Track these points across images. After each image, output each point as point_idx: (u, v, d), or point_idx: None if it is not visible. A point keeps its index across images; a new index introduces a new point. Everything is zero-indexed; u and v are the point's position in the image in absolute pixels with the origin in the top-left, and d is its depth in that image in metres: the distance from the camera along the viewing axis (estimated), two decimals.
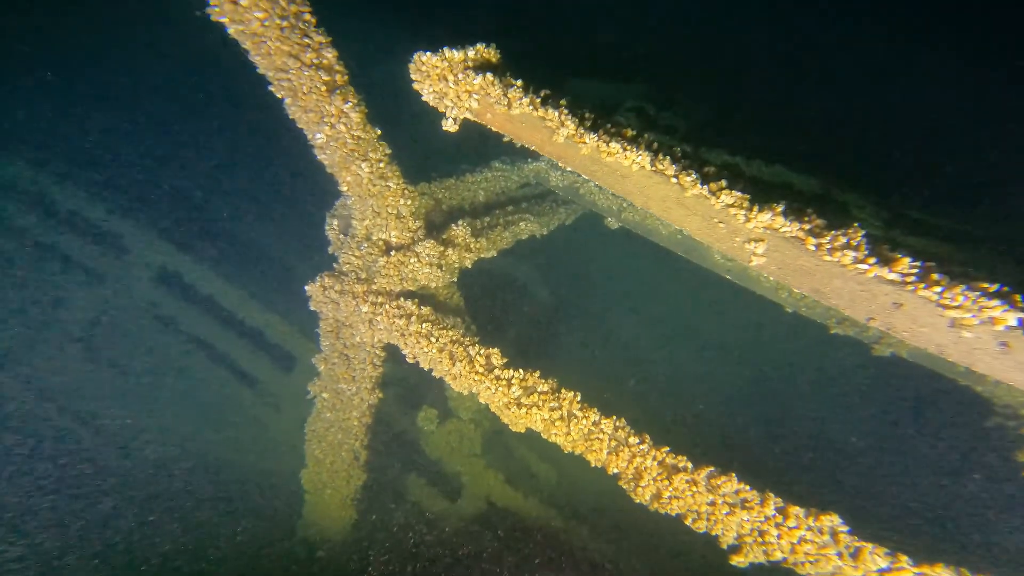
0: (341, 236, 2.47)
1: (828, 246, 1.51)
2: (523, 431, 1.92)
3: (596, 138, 1.65)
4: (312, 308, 2.31)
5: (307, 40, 1.79)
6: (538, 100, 1.72)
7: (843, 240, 1.51)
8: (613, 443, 1.81)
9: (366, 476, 2.98)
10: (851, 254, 1.48)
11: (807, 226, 1.55)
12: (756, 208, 1.57)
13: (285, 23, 1.72)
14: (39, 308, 3.96)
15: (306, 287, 2.27)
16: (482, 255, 2.58)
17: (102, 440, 3.60)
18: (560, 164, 1.80)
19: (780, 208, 1.58)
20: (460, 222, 2.53)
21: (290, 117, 1.94)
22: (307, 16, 1.76)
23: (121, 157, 4.30)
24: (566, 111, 1.71)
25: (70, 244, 3.98)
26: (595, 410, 1.86)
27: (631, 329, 5.11)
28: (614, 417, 1.86)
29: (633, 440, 1.82)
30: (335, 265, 2.37)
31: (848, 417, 4.01)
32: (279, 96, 1.88)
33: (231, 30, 1.69)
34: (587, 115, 1.75)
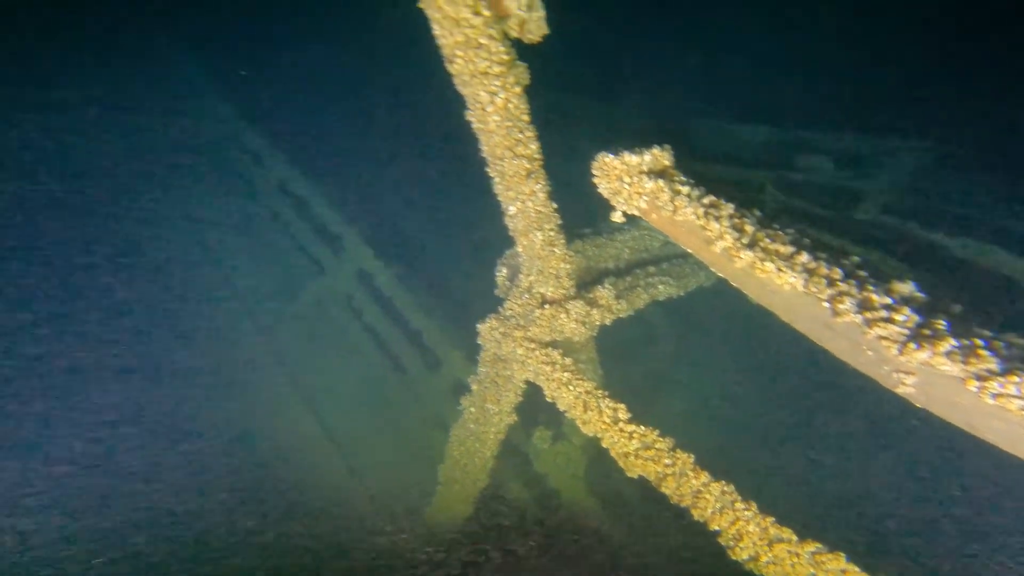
0: (508, 283, 2.94)
1: (996, 391, 1.44)
2: (635, 477, 2.10)
3: (752, 255, 1.77)
4: (479, 342, 2.79)
5: (520, 136, 2.25)
6: (701, 210, 1.90)
7: (1015, 388, 1.42)
8: (719, 504, 1.92)
9: (488, 481, 3.44)
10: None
11: (973, 368, 1.48)
12: (913, 345, 1.55)
13: (509, 124, 2.19)
14: (284, 286, 5.32)
15: (478, 324, 2.76)
16: (621, 315, 2.83)
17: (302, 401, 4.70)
18: (713, 270, 1.94)
19: (944, 347, 1.52)
20: (606, 284, 2.81)
21: (494, 191, 2.43)
22: (524, 118, 2.20)
23: (358, 175, 5.48)
24: (727, 223, 1.84)
25: (309, 237, 5.23)
26: (706, 473, 1.97)
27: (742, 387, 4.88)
28: (723, 482, 1.96)
29: (739, 505, 1.89)
30: (500, 308, 2.84)
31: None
32: (490, 175, 2.38)
33: (471, 117, 2.17)
34: (747, 226, 1.87)
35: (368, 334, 4.99)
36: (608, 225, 2.99)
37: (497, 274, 2.96)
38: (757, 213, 1.89)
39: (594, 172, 2.16)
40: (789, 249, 1.81)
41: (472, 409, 3.12)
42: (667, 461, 1.93)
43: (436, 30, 1.95)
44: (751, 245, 1.79)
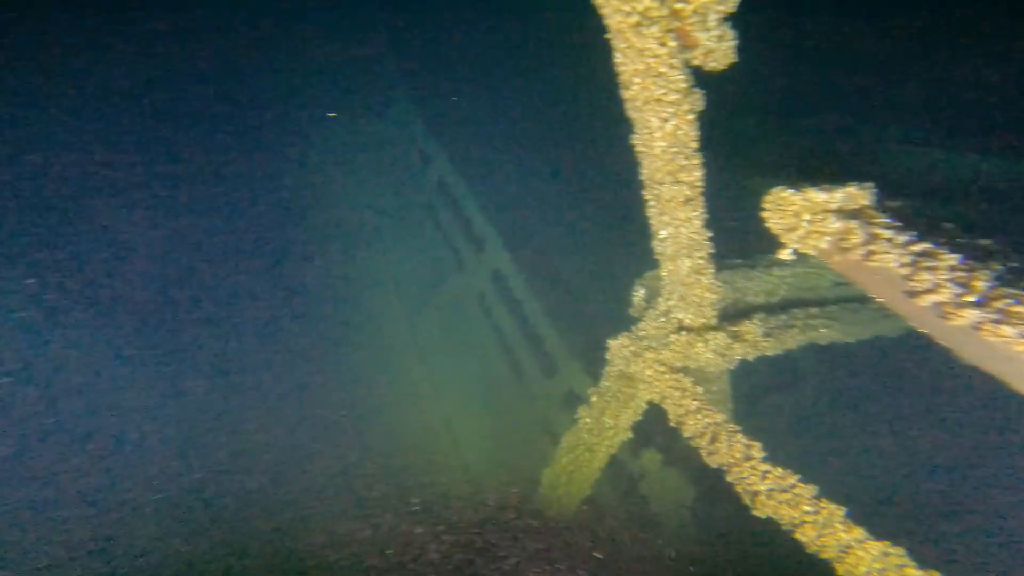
0: (644, 304, 2.96)
1: None
2: (763, 516, 1.97)
3: (980, 315, 1.53)
4: (607, 357, 2.86)
5: (684, 162, 2.28)
6: (908, 258, 1.69)
7: None
8: (879, 567, 1.70)
9: (590, 491, 3.48)
10: None
11: None
12: None
13: (675, 150, 2.24)
14: (425, 276, 5.93)
15: (609, 340, 2.83)
16: (767, 353, 2.67)
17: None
18: (911, 323, 1.74)
19: None
20: (755, 319, 2.67)
21: (647, 213, 2.48)
22: (692, 144, 2.23)
23: (510, 183, 5.92)
24: (945, 276, 1.61)
25: (455, 233, 5.77)
26: (861, 529, 1.76)
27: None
28: (887, 543, 1.72)
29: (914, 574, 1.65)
30: (632, 327, 2.87)
31: None
32: (645, 198, 2.44)
33: (636, 141, 2.26)
34: (977, 282, 1.59)
35: (494, 333, 5.32)
36: (765, 258, 2.86)
37: (634, 294, 3.00)
38: (997, 266, 1.61)
39: (766, 207, 2.10)
40: None
41: (588, 420, 3.19)
42: (807, 508, 1.80)
43: (618, 58, 2.09)
44: (982, 303, 1.56)
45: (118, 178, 6.20)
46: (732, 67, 2.04)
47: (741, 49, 2.00)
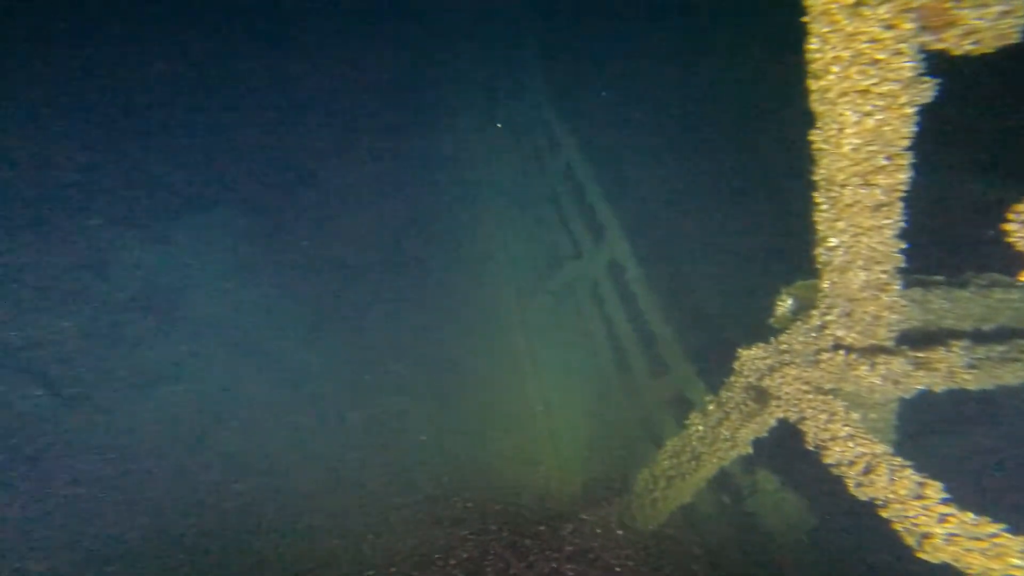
0: (790, 315, 2.71)
1: None
2: (934, 561, 1.75)
3: None
4: (735, 366, 2.68)
5: (885, 163, 2.04)
6: None
7: None
8: None
9: (688, 501, 3.33)
10: None
11: None
12: None
13: (873, 148, 2.01)
14: (540, 262, 6.01)
15: (740, 349, 2.65)
16: (967, 387, 2.29)
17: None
18: None
19: None
20: (955, 346, 2.31)
21: (814, 217, 2.26)
22: (901, 142, 1.98)
23: (638, 173, 5.78)
24: None
25: (576, 220, 5.76)
26: None
27: None
28: None
29: None
30: (771, 339, 2.65)
31: None
32: (816, 200, 2.22)
33: (818, 137, 2.05)
34: None
35: (604, 324, 5.25)
36: (983, 277, 2.48)
37: (778, 303, 2.76)
38: None
39: (1013, 218, 1.80)
40: None
41: (700, 428, 3.04)
42: (1017, 561, 1.56)
43: (815, 44, 1.90)
44: None
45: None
46: (1002, 51, 1.75)
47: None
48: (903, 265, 2.16)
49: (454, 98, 7.83)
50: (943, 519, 1.68)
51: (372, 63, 8.11)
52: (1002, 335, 2.40)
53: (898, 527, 1.78)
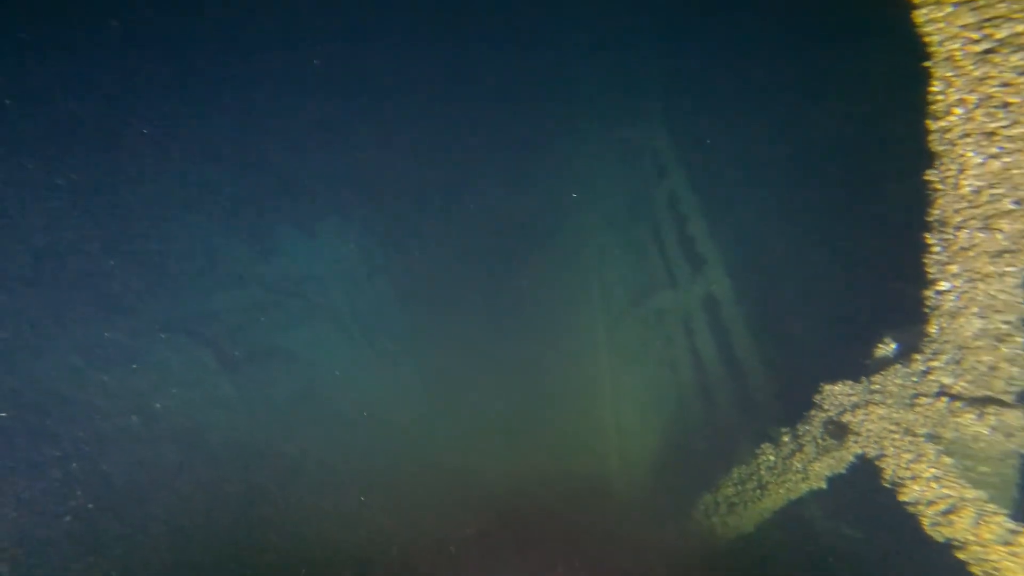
0: (890, 357, 2.64)
1: None
2: None
3: None
4: (816, 399, 2.66)
5: (1012, 206, 2.01)
6: None
7: None
8: None
9: (749, 530, 3.25)
10: None
11: None
12: None
13: (998, 191, 1.99)
14: (635, 287, 6.12)
15: (826, 384, 2.63)
16: None
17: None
18: None
19: None
20: None
21: (928, 260, 2.24)
22: None
23: (743, 211, 5.73)
24: None
25: (675, 250, 5.82)
26: None
27: None
28: None
29: None
30: (863, 378, 2.60)
31: None
32: (929, 242, 2.21)
33: (937, 177, 2.07)
34: None
35: (691, 356, 5.22)
36: None
37: (879, 346, 2.70)
38: None
39: None
40: None
41: (771, 458, 3.00)
42: None
43: (940, 86, 1.96)
44: None
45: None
46: None
47: None
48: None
49: (571, 118, 8.26)
50: None
51: (498, 77, 8.74)
52: None
53: (975, 569, 1.72)
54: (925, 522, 1.94)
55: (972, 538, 1.77)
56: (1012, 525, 1.76)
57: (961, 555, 1.78)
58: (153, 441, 3.49)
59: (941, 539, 1.87)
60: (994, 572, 1.67)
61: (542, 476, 4.67)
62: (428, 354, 5.53)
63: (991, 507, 1.85)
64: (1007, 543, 1.71)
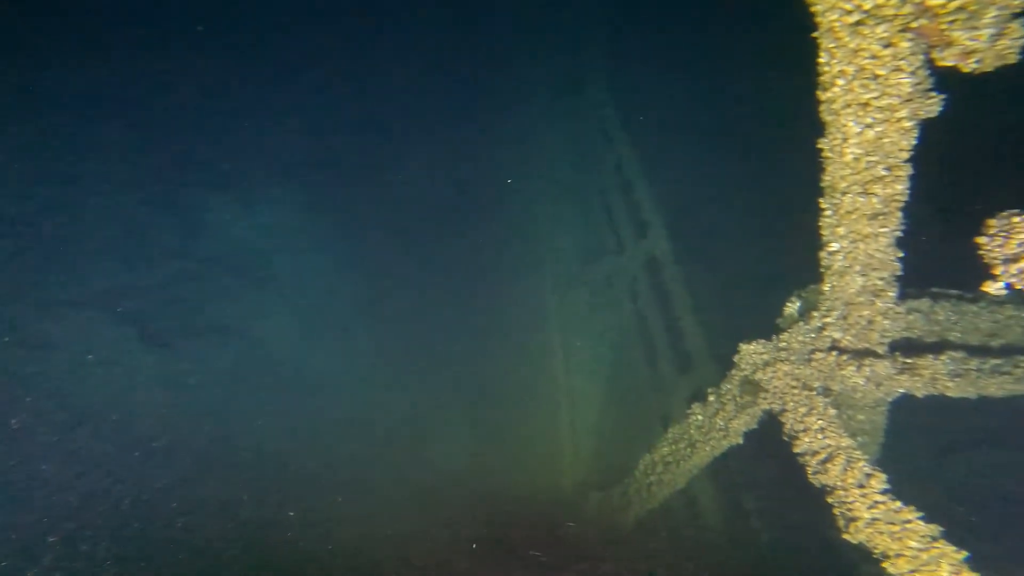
0: (796, 315, 2.81)
1: None
2: (854, 542, 1.89)
3: None
4: (735, 359, 2.83)
5: (884, 173, 2.12)
6: None
7: None
8: None
9: (680, 486, 3.49)
10: None
11: None
12: None
13: (873, 158, 2.10)
14: (584, 252, 6.21)
15: (741, 344, 2.79)
16: (948, 394, 2.35)
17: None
18: None
19: None
20: (945, 356, 2.36)
21: (820, 223, 2.36)
22: (902, 154, 2.06)
23: (686, 173, 5.84)
24: None
25: (620, 215, 5.91)
26: None
27: None
28: None
29: None
30: (773, 336, 2.77)
31: None
32: (821, 205, 2.32)
33: (825, 144, 2.16)
34: None
35: (637, 319, 5.40)
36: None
37: (787, 305, 2.86)
38: None
39: (987, 231, 1.87)
40: None
41: (699, 417, 3.19)
42: (914, 543, 1.70)
43: (824, 58, 2.02)
44: None
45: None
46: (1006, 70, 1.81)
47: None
48: (900, 273, 2.22)
49: (516, 92, 8.15)
50: (873, 506, 1.80)
51: (442, 52, 8.53)
52: (1001, 350, 2.38)
53: (836, 512, 1.91)
54: (809, 472, 2.13)
55: (840, 483, 1.96)
56: (868, 469, 1.95)
57: (829, 499, 1.97)
58: (70, 430, 3.25)
59: (818, 485, 2.06)
60: (848, 513, 1.87)
61: (498, 454, 4.82)
62: (374, 326, 5.53)
63: (857, 454, 2.04)
64: (861, 486, 1.90)
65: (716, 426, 3.06)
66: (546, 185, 7.35)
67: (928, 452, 3.24)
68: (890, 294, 2.26)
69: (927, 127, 2.03)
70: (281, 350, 5.04)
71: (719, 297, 4.69)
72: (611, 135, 6.65)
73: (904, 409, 2.70)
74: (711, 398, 3.12)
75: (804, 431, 2.27)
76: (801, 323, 2.67)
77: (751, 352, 2.76)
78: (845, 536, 1.86)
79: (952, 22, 1.69)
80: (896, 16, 1.78)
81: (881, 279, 2.24)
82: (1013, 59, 1.69)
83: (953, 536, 1.73)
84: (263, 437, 3.96)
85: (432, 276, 6.11)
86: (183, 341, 4.63)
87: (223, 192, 6.04)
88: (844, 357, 2.41)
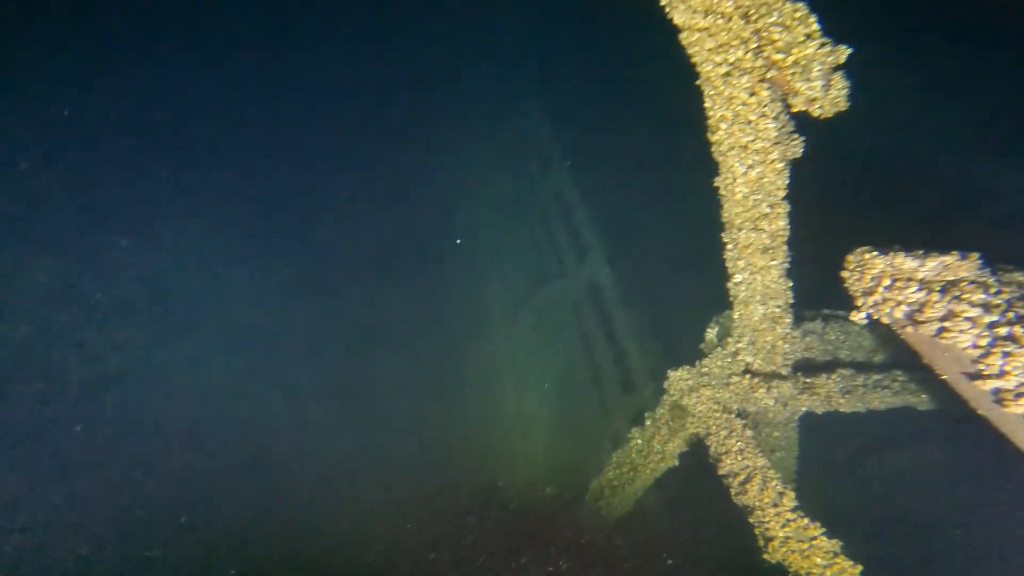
0: (715, 341, 2.95)
1: None
2: (772, 561, 1.99)
3: None
4: (664, 386, 2.93)
5: (767, 210, 2.28)
6: (985, 340, 1.62)
7: None
8: None
9: (630, 510, 3.56)
10: None
11: None
12: None
13: (758, 196, 2.26)
14: (533, 277, 6.29)
15: (669, 371, 2.90)
16: (841, 410, 2.53)
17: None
18: (974, 406, 1.66)
19: None
20: (835, 375, 2.54)
21: (724, 256, 2.51)
22: (779, 192, 2.23)
23: (622, 201, 6.04)
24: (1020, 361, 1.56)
25: (561, 243, 6.04)
26: None
27: None
28: None
29: None
30: (696, 362, 2.89)
31: None
32: (723, 240, 2.48)
33: (719, 184, 2.32)
34: None
35: (582, 341, 5.50)
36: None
37: (707, 330, 3.01)
38: None
39: (847, 266, 2.04)
40: None
41: (639, 441, 3.28)
42: (820, 560, 1.80)
43: (707, 104, 2.18)
44: None
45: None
46: (843, 114, 2.01)
47: (855, 96, 1.95)
48: (793, 301, 2.38)
49: (454, 119, 8.26)
50: (786, 524, 1.91)
51: (375, 81, 8.55)
52: (881, 365, 2.58)
53: (756, 532, 2.01)
54: (731, 492, 2.22)
55: (757, 503, 2.06)
56: (781, 488, 2.06)
57: (751, 519, 2.07)
58: None
59: (740, 505, 2.15)
60: (766, 533, 1.96)
61: (455, 474, 4.75)
62: (311, 368, 5.38)
63: (771, 473, 2.16)
64: (775, 504, 2.00)
65: (654, 449, 3.14)
66: (487, 211, 7.44)
67: (846, 453, 3.45)
68: (787, 320, 2.41)
69: (796, 167, 2.21)
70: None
71: (658, 319, 4.85)
72: (549, 160, 6.83)
73: (828, 415, 2.88)
74: (647, 422, 3.21)
75: (726, 453, 2.37)
76: (719, 348, 2.81)
77: (678, 379, 2.88)
78: (765, 556, 1.95)
79: (793, 74, 1.86)
80: (753, 68, 1.95)
81: (778, 307, 2.39)
82: (843, 105, 1.89)
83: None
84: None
85: (372, 313, 6.03)
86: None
87: (130, 233, 5.68)
88: (756, 380, 2.54)
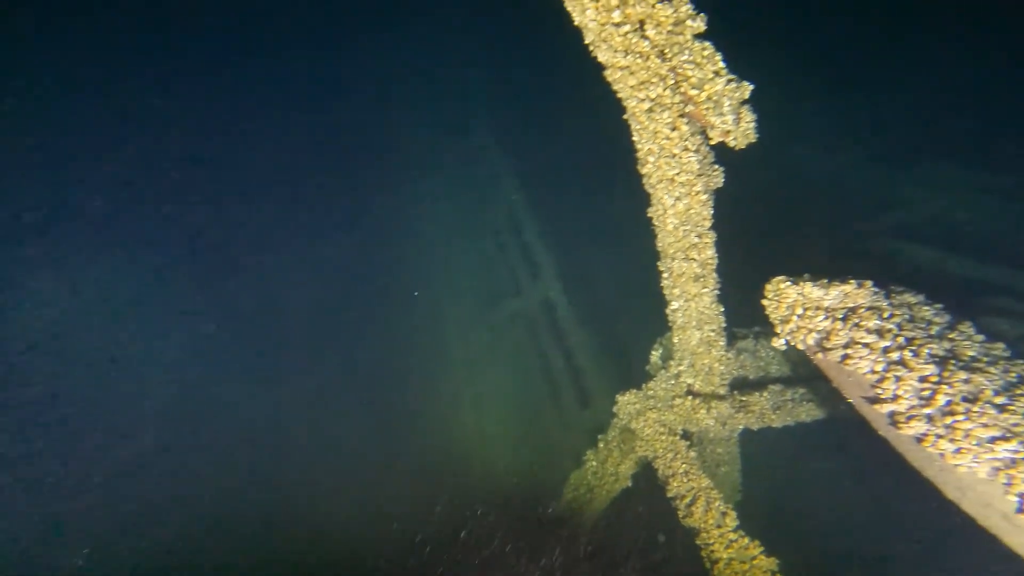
0: (659, 363, 3.01)
1: None
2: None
3: (927, 427, 1.57)
4: (614, 410, 2.97)
5: (696, 240, 2.36)
6: (881, 365, 1.72)
7: None
8: None
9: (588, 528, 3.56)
10: None
11: None
12: None
13: (686, 227, 2.33)
14: (487, 296, 6.27)
15: (617, 395, 2.94)
16: (773, 425, 2.63)
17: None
18: (870, 420, 1.75)
19: None
20: (767, 391, 2.65)
21: (660, 284, 2.57)
22: (705, 223, 2.31)
23: (574, 220, 6.09)
24: (911, 386, 1.65)
25: (517, 259, 6.04)
26: None
27: None
28: None
29: None
30: (643, 384, 2.94)
31: None
32: (659, 269, 2.54)
33: (651, 215, 2.38)
34: (939, 396, 1.63)
35: (539, 359, 5.51)
36: None
37: (652, 352, 3.07)
38: (978, 379, 1.58)
39: (766, 293, 2.13)
40: (989, 432, 1.51)
41: (594, 463, 3.30)
42: None
43: (634, 138, 2.24)
44: (931, 419, 1.59)
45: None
46: (756, 146, 2.09)
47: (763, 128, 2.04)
48: (725, 325, 2.47)
49: (404, 140, 8.20)
50: (729, 545, 1.96)
51: (324, 106, 8.43)
52: (806, 379, 2.72)
53: (704, 553, 2.05)
54: (679, 514, 2.26)
55: (703, 525, 2.10)
56: (723, 508, 2.12)
57: (698, 541, 2.11)
58: None
59: (688, 527, 2.19)
60: (712, 555, 2.01)
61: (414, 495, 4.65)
62: (259, 391, 5.19)
63: (714, 494, 2.21)
64: (719, 525, 2.06)
65: (608, 471, 3.17)
66: (440, 229, 7.38)
67: (783, 458, 3.58)
68: (721, 343, 2.49)
69: (719, 197, 2.29)
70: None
71: (610, 335, 4.92)
72: (499, 178, 6.85)
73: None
74: (600, 445, 3.24)
75: (672, 475, 2.42)
76: (663, 370, 2.87)
77: (626, 403, 2.92)
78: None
79: (707, 109, 1.94)
80: (672, 104, 2.02)
81: (712, 331, 2.46)
82: (754, 137, 1.98)
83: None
84: None
85: (327, 340, 5.86)
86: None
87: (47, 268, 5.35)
88: (697, 401, 2.61)
